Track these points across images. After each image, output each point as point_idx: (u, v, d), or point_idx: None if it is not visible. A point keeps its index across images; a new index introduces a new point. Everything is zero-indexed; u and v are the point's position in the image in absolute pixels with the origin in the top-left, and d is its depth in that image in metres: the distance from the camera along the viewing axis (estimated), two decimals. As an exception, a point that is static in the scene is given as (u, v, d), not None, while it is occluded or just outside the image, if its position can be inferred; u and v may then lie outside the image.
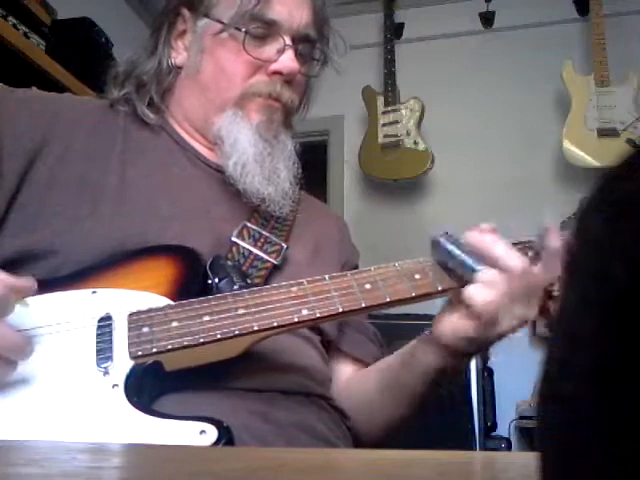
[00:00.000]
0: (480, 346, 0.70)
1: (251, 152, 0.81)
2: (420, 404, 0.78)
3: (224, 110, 0.82)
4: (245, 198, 0.81)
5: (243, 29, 0.81)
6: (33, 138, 0.76)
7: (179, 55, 0.87)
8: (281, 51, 0.82)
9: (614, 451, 0.17)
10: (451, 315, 0.69)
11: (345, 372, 0.89)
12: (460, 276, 0.67)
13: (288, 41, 0.82)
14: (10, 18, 1.78)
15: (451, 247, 0.68)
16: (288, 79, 0.83)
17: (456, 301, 0.69)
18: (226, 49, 0.82)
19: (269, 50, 0.82)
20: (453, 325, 0.69)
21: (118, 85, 0.86)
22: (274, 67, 0.82)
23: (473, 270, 0.66)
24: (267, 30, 0.82)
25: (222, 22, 0.82)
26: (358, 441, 0.83)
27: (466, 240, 0.68)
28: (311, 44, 0.87)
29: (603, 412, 0.17)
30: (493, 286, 0.65)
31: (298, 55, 0.84)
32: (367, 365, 0.89)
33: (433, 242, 0.69)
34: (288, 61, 0.81)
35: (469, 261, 0.66)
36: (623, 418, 0.17)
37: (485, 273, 0.65)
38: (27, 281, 0.59)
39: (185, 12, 0.86)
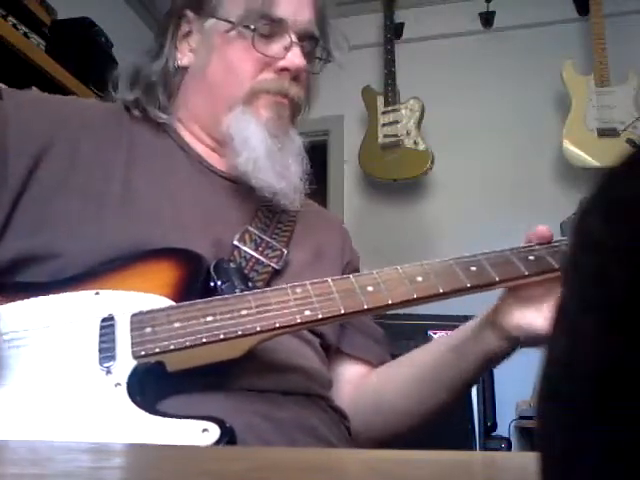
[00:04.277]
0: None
1: (262, 148, 0.81)
2: (463, 390, 0.79)
3: (233, 108, 0.83)
4: (258, 193, 0.82)
5: (252, 27, 0.82)
6: (40, 139, 0.76)
7: (184, 56, 0.87)
8: (288, 48, 0.83)
9: (614, 452, 0.17)
10: (516, 308, 0.71)
11: (353, 373, 0.89)
12: None
13: (294, 38, 0.83)
14: (10, 18, 1.78)
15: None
16: (295, 76, 0.84)
17: (516, 295, 0.71)
18: (235, 47, 0.83)
19: (276, 47, 0.83)
20: (522, 319, 0.71)
21: (126, 88, 0.87)
22: (282, 64, 0.82)
23: None
24: (274, 28, 0.83)
25: (230, 21, 0.83)
26: (370, 439, 0.84)
27: None
28: (314, 42, 0.88)
29: (603, 413, 0.17)
30: None
31: (303, 52, 0.85)
32: (374, 367, 0.89)
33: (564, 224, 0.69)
34: (296, 58, 0.82)
35: None
36: (623, 419, 0.17)
37: None
38: None
39: (189, 14, 0.86)
